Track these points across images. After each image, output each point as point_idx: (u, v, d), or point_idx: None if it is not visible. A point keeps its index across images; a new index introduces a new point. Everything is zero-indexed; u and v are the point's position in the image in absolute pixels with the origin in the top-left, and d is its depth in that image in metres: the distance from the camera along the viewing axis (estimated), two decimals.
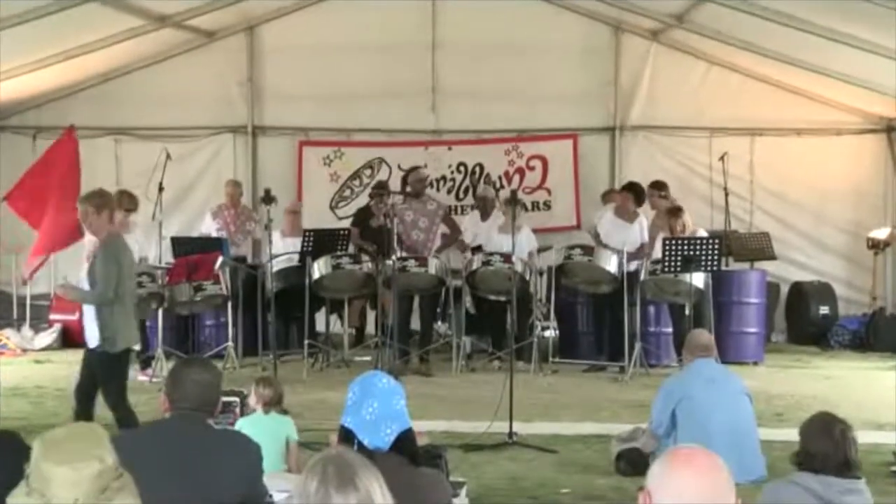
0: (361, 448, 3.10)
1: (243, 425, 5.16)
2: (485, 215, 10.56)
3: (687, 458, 2.32)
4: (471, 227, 10.63)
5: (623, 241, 9.77)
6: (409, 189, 10.52)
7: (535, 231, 10.67)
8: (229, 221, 10.69)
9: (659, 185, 10.40)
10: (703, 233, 9.88)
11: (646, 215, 10.33)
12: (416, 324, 10.41)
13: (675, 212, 9.77)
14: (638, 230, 9.94)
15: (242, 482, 3.38)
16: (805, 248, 12.35)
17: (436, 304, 10.41)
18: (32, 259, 10.04)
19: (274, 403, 5.37)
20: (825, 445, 3.69)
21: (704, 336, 6.15)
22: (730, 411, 5.57)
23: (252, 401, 5.38)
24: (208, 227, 10.66)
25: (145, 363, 9.36)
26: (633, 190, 10.24)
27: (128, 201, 9.44)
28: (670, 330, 10.07)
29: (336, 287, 10.00)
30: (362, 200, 11.86)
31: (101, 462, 2.55)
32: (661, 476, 2.29)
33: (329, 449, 2.66)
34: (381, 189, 11.03)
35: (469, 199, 12.07)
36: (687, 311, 9.19)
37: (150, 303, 9.19)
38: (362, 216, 10.97)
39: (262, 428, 5.11)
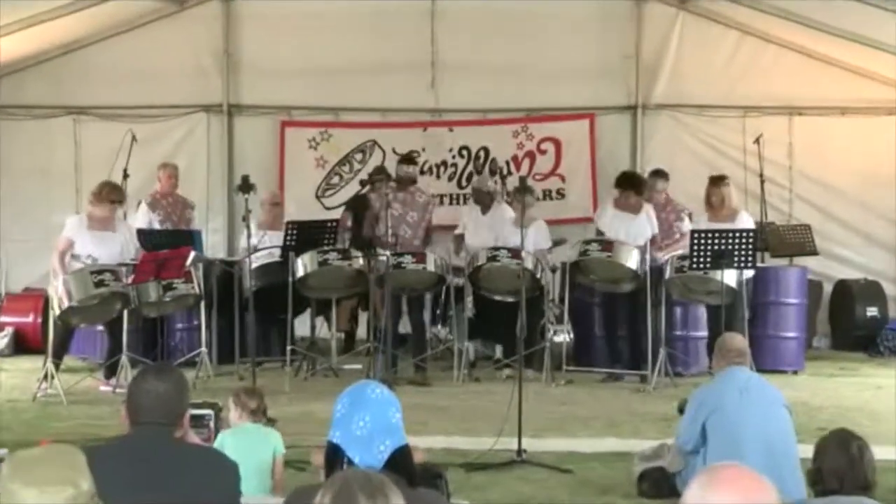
0: (351, 467, 3.09)
1: (226, 438, 5.16)
2: (484, 208, 10.51)
3: (731, 478, 2.30)
4: (468, 220, 10.58)
5: (629, 234, 9.75)
6: (406, 177, 10.47)
7: (547, 223, 10.64)
8: (170, 211, 10.60)
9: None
10: (746, 217, 9.83)
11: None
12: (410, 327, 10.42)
13: (717, 181, 9.72)
14: (645, 220, 9.90)
15: None
16: (851, 242, 12.33)
17: (424, 304, 10.36)
18: None
19: (260, 413, 5.39)
20: (841, 463, 3.79)
21: (738, 340, 6.08)
22: (766, 425, 5.55)
23: (233, 416, 5.36)
24: (146, 220, 10.51)
25: (110, 371, 9.34)
26: (630, 182, 10.13)
27: (110, 192, 9.39)
28: (699, 334, 10.07)
29: (323, 286, 9.98)
30: (352, 188, 11.85)
31: (75, 487, 2.56)
32: (702, 497, 2.27)
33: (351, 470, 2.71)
34: (380, 175, 10.96)
35: None
36: (722, 313, 9.16)
37: (114, 303, 9.17)
38: (357, 204, 10.92)
39: (249, 440, 5.12)
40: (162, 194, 10.63)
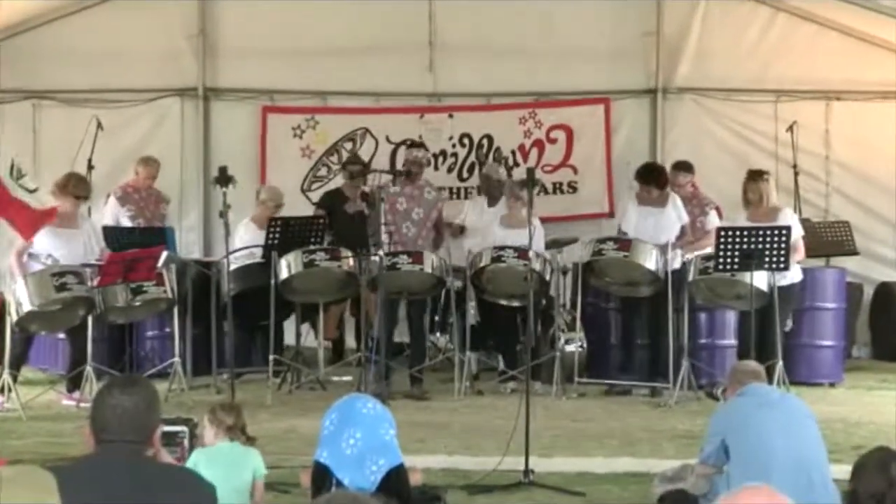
0: (340, 489, 3.10)
1: (200, 458, 5.17)
2: (492, 200, 10.53)
3: (748, 497, 2.32)
4: (473, 214, 10.58)
5: (657, 230, 9.75)
6: (402, 169, 10.47)
7: (557, 219, 10.67)
8: (143, 206, 10.60)
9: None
10: (789, 214, 9.82)
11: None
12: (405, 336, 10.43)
13: (755, 175, 9.69)
14: (673, 213, 9.90)
15: None
16: (894, 241, 12.33)
17: (425, 309, 10.38)
18: None
19: (238, 430, 5.39)
20: (879, 485, 3.80)
21: (751, 363, 6.34)
22: (794, 439, 5.60)
23: (209, 434, 5.37)
24: (116, 216, 10.51)
25: (73, 384, 9.35)
26: (650, 175, 10.13)
27: (76, 186, 9.40)
28: (726, 342, 10.09)
29: (309, 289, 9.99)
30: (342, 180, 11.84)
31: None
32: None
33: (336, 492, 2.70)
34: (355, 164, 11.00)
35: (475, 180, 12.06)
36: (752, 320, 9.16)
37: (77, 309, 9.18)
38: (332, 200, 10.95)
39: (225, 461, 5.11)
40: (134, 187, 10.64)
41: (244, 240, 9.99)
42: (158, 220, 10.66)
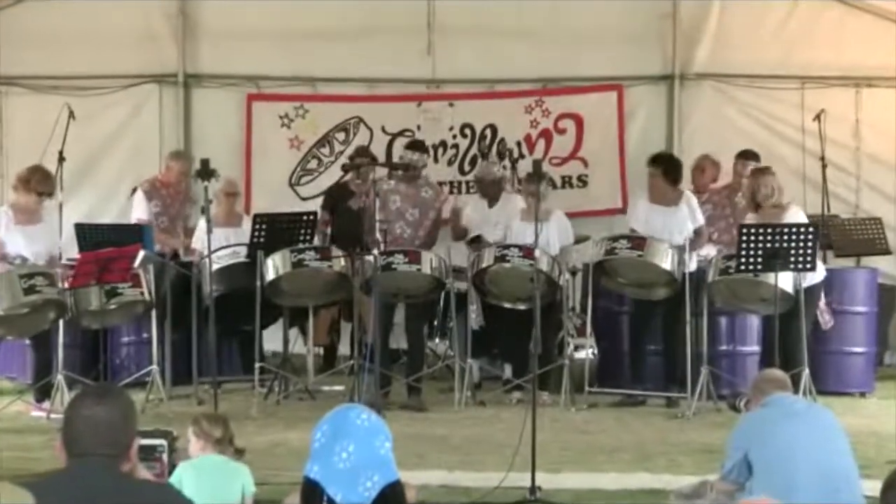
0: None
1: (186, 471, 5.16)
2: (492, 201, 10.50)
3: None
4: (474, 215, 10.57)
5: (667, 230, 9.75)
6: (400, 162, 10.45)
7: (567, 216, 10.64)
8: (169, 204, 10.63)
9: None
10: (798, 213, 9.82)
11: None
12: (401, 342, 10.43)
13: (758, 173, 9.72)
14: (686, 213, 9.90)
15: None
16: None
17: (428, 313, 10.39)
18: None
19: (227, 443, 5.38)
20: None
21: (777, 372, 6.37)
22: (821, 452, 5.62)
23: (194, 447, 5.37)
24: (144, 212, 10.55)
25: (42, 394, 9.36)
26: (660, 161, 10.16)
27: (39, 182, 9.42)
28: (748, 349, 10.10)
29: (297, 291, 10.00)
30: (333, 175, 11.86)
31: None
32: None
33: None
34: (362, 157, 10.99)
35: None
36: (777, 325, 9.15)
37: (48, 312, 9.18)
38: (337, 195, 10.96)
39: (213, 476, 5.11)
40: (164, 183, 10.70)
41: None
42: (182, 221, 10.67)
